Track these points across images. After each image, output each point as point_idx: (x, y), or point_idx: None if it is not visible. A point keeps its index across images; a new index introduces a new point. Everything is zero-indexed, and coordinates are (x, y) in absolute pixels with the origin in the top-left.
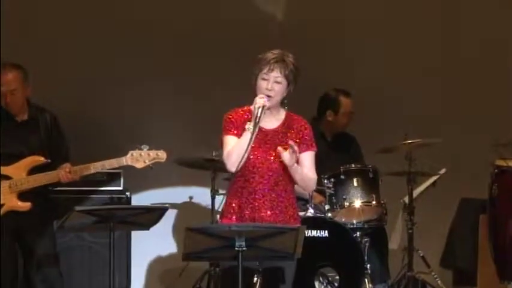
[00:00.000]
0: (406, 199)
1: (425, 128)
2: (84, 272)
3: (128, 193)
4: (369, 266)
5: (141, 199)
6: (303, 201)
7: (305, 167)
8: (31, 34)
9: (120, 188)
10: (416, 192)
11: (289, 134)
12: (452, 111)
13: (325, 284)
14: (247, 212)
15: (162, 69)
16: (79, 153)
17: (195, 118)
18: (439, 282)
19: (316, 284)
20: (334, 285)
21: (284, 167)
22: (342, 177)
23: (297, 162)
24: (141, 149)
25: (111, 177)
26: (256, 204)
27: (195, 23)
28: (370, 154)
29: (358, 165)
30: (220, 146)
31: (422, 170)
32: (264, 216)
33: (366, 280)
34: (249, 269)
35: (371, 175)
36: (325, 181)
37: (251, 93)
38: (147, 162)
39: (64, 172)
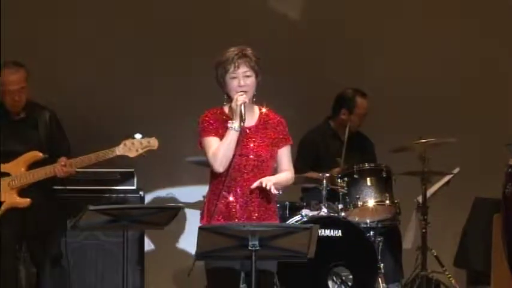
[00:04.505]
0: (420, 198)
1: (439, 127)
2: (97, 271)
3: (141, 192)
4: (382, 265)
5: (155, 198)
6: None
7: (283, 163)
8: (31, 34)
9: (134, 187)
10: (430, 191)
11: (267, 131)
12: (466, 110)
13: (338, 283)
14: (236, 211)
15: (169, 68)
16: (81, 153)
17: None
18: (452, 281)
19: (330, 283)
20: (348, 284)
21: (265, 164)
22: (356, 176)
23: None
24: (133, 138)
25: (125, 176)
26: (244, 201)
27: (204, 22)
28: (383, 153)
29: (372, 165)
30: (200, 148)
31: (436, 169)
32: (252, 214)
33: (380, 279)
34: (235, 269)
35: (384, 174)
36: (339, 180)
37: (258, 93)
38: (140, 151)
39: (60, 166)
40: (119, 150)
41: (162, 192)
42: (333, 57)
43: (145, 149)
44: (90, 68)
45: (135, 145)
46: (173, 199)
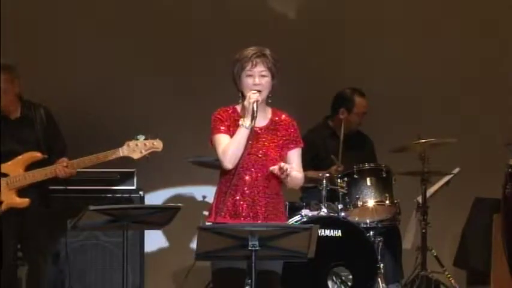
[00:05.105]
0: (420, 198)
1: (439, 127)
2: (97, 271)
3: (141, 192)
4: (382, 265)
5: (155, 198)
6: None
7: (293, 165)
8: (31, 34)
9: (134, 187)
10: (430, 191)
11: (278, 133)
12: (466, 110)
13: (338, 284)
14: (242, 209)
15: (170, 68)
16: (81, 153)
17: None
18: (452, 281)
19: (330, 283)
20: (348, 284)
21: (274, 164)
22: (355, 176)
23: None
24: (137, 139)
25: (125, 176)
26: (251, 200)
27: (204, 22)
28: (383, 153)
29: (372, 165)
30: (210, 145)
31: (436, 169)
32: (259, 213)
33: (379, 279)
34: (242, 270)
35: (384, 174)
36: (338, 180)
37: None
38: (144, 153)
39: (61, 167)
40: (123, 151)
41: (161, 193)
42: (333, 57)
43: (149, 151)
44: (90, 68)
45: (139, 146)
46: (173, 199)
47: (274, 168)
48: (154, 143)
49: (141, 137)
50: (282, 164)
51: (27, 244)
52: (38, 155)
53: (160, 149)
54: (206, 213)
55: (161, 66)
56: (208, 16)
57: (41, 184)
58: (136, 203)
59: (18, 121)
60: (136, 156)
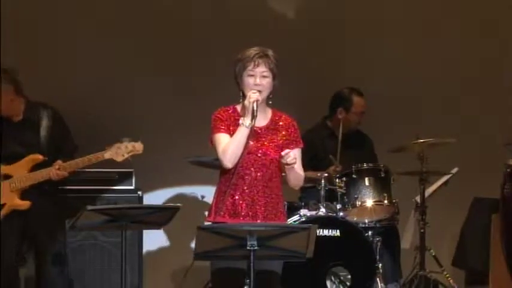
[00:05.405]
0: (418, 198)
1: (439, 127)
2: (96, 271)
3: (139, 192)
4: (380, 265)
5: (153, 198)
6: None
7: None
8: (31, 34)
9: (132, 187)
10: (428, 191)
11: (278, 133)
12: (466, 110)
13: (337, 283)
14: (241, 209)
15: (170, 68)
16: (81, 153)
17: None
18: (451, 281)
19: (328, 283)
20: (346, 284)
21: (274, 164)
22: (354, 176)
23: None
24: (121, 142)
25: (123, 176)
26: (251, 200)
27: (204, 22)
28: (382, 153)
29: (370, 165)
30: (210, 145)
31: (435, 169)
32: (259, 213)
33: (378, 279)
34: (241, 270)
35: (383, 174)
36: (337, 180)
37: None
38: (126, 156)
39: (54, 170)
40: (107, 154)
41: (160, 192)
42: (333, 57)
43: (130, 154)
44: (90, 68)
45: (122, 149)
46: (171, 199)
47: (285, 153)
48: (135, 146)
49: (126, 140)
50: (292, 157)
51: (34, 245)
52: (40, 157)
53: (140, 152)
54: (206, 213)
55: (161, 66)
56: (208, 16)
57: (46, 185)
58: (134, 203)
59: (21, 123)
60: (119, 159)
